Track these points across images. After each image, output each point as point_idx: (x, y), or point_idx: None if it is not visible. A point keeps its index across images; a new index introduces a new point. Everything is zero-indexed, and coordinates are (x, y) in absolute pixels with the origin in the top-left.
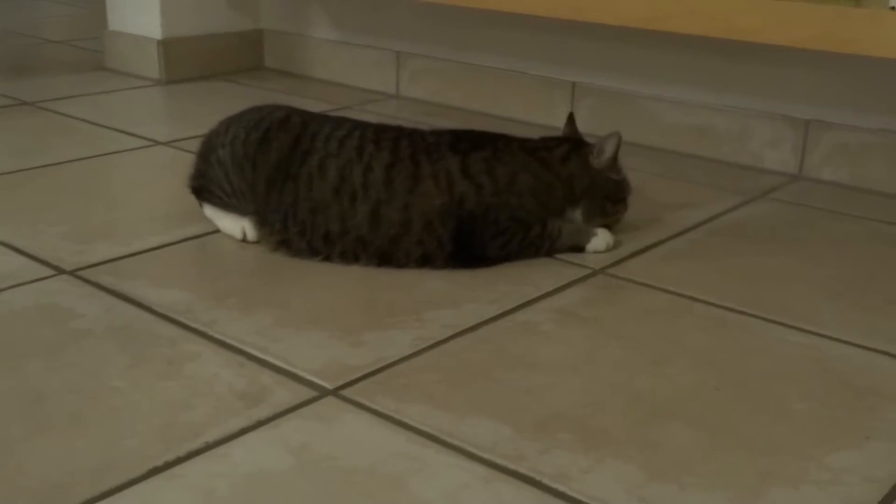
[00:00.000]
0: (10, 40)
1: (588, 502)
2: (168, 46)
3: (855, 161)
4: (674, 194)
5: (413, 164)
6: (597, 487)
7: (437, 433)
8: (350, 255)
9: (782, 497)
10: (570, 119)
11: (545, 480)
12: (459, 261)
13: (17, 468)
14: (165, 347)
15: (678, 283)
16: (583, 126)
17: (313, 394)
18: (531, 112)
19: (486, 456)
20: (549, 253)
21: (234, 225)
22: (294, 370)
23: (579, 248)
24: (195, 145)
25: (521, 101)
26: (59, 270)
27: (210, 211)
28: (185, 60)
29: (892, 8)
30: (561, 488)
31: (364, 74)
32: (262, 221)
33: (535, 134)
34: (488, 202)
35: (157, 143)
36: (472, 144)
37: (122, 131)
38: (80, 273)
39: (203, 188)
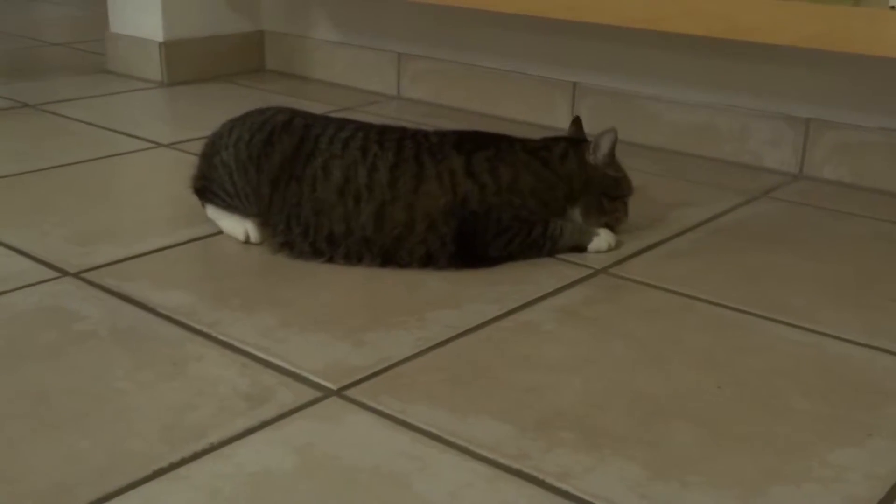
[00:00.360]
0: (12, 43)
1: (591, 501)
2: (169, 48)
3: (855, 160)
4: (675, 194)
5: (417, 165)
6: (599, 486)
7: (440, 433)
8: (354, 256)
9: (785, 495)
10: (576, 122)
11: (548, 479)
12: (462, 260)
13: (23, 469)
14: (169, 349)
15: (679, 283)
16: (584, 127)
17: (317, 394)
18: (532, 113)
19: (489, 455)
20: (551, 253)
21: (237, 226)
22: (298, 371)
23: (581, 249)
24: (197, 147)
25: (521, 102)
26: (63, 272)
27: (213, 212)
28: (187, 62)
29: (892, 7)
30: (564, 487)
31: (365, 76)
32: (265, 223)
33: (536, 134)
34: (491, 201)
35: (159, 145)
36: (475, 144)
37: (124, 133)
38: (83, 275)
39: (206, 189)
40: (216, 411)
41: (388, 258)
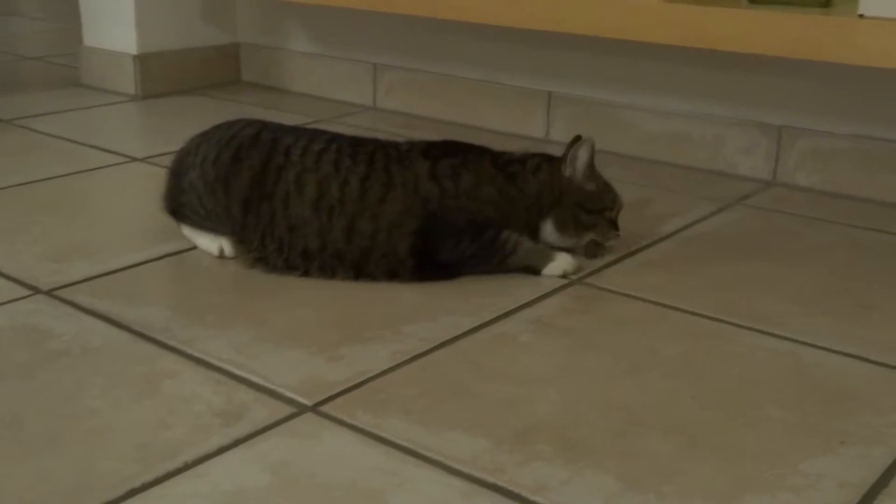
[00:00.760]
0: None
1: None
2: (144, 61)
3: (827, 166)
4: (650, 202)
5: (386, 174)
6: (575, 498)
7: (415, 447)
8: (328, 270)
9: (759, 503)
10: (576, 141)
11: (524, 493)
12: (422, 270)
13: None
14: (143, 366)
15: (654, 292)
16: (560, 136)
17: (292, 410)
18: (508, 122)
19: (464, 469)
20: (502, 265)
21: (212, 243)
22: (272, 387)
23: (535, 271)
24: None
25: (498, 112)
26: (36, 290)
27: (187, 230)
28: (162, 75)
29: (860, 16)
30: (540, 500)
31: (341, 87)
32: (238, 240)
33: (512, 143)
34: (449, 204)
35: (134, 159)
36: (443, 152)
37: (98, 148)
38: (56, 293)
39: (178, 210)
40: (190, 429)
41: (360, 271)
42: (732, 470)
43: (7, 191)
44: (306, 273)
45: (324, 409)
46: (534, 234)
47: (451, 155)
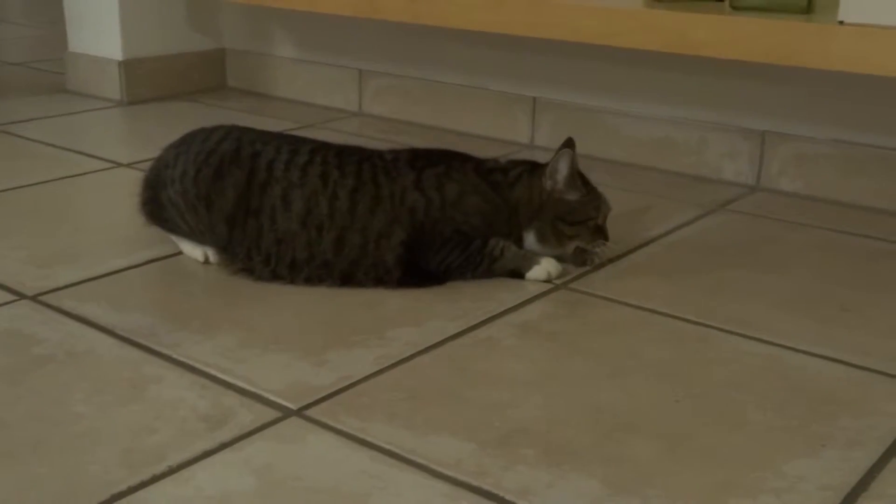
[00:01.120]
0: None
1: None
2: (129, 67)
3: (810, 171)
4: (634, 208)
5: (374, 187)
6: (560, 502)
7: (400, 451)
8: (315, 279)
9: None
10: (568, 143)
11: (508, 496)
12: (411, 280)
13: None
14: (128, 371)
15: (639, 297)
16: (544, 141)
17: (277, 414)
18: (493, 128)
19: (449, 473)
20: (488, 271)
21: (196, 249)
22: (258, 391)
23: (519, 275)
24: None
25: (483, 117)
26: (20, 296)
27: (172, 236)
28: (147, 81)
29: (840, 22)
30: None
31: (327, 93)
32: (223, 251)
33: (497, 148)
34: (435, 216)
35: (119, 164)
36: (428, 161)
37: (83, 154)
38: (41, 298)
39: (160, 219)
40: (175, 433)
41: (347, 279)
42: (715, 473)
43: None
44: (292, 282)
45: (309, 413)
46: (518, 242)
47: (435, 164)
